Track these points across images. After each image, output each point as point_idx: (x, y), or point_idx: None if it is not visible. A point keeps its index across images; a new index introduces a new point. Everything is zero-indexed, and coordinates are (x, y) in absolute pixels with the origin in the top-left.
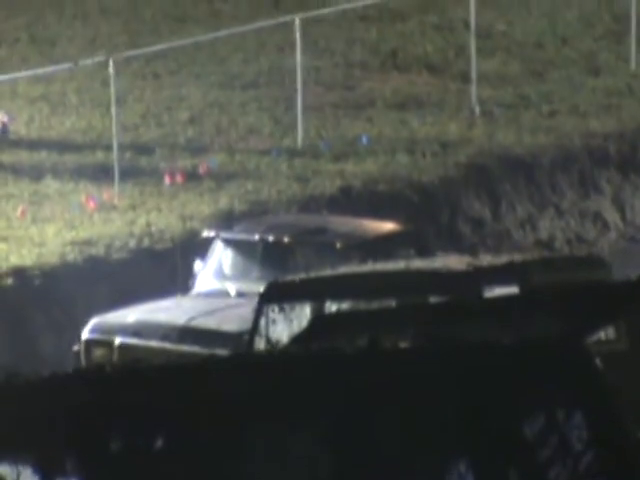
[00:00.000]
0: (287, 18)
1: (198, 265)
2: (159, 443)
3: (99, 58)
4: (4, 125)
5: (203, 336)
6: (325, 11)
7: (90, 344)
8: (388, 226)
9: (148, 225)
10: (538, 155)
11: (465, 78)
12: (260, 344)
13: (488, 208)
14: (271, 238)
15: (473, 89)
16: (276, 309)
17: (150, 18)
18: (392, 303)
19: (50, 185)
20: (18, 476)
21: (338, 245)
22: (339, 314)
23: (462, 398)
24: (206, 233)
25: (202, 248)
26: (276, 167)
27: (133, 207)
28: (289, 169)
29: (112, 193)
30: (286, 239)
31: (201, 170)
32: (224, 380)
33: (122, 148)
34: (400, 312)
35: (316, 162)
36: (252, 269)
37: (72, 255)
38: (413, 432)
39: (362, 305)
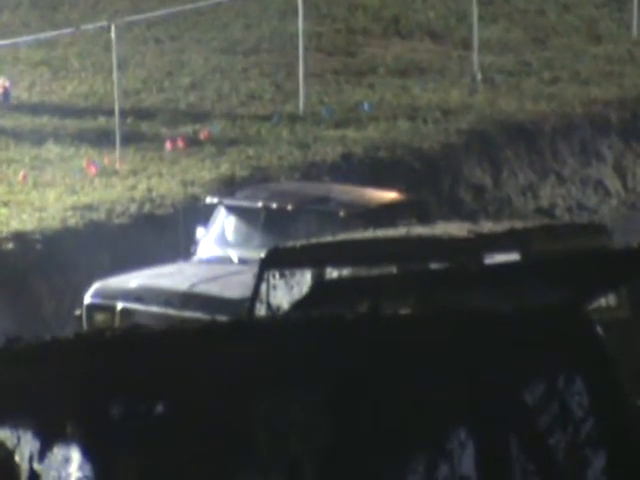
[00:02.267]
0: None
1: (200, 231)
2: (160, 409)
3: (101, 23)
4: (6, 90)
5: (205, 302)
6: None
7: (92, 309)
8: (391, 195)
9: (149, 190)
10: (539, 122)
11: (467, 45)
12: (261, 310)
13: (489, 175)
14: (274, 205)
15: (475, 56)
16: (277, 275)
17: None
18: (393, 269)
19: (51, 150)
20: (18, 440)
21: (341, 214)
22: (340, 280)
23: (462, 365)
24: (209, 199)
25: (203, 214)
26: (277, 133)
27: (134, 172)
28: (290, 135)
29: (113, 158)
30: (289, 207)
31: (202, 136)
32: (224, 346)
33: (123, 113)
34: (400, 278)
35: (317, 128)
36: (254, 236)
37: (73, 220)
38: (412, 399)
39: (363, 271)
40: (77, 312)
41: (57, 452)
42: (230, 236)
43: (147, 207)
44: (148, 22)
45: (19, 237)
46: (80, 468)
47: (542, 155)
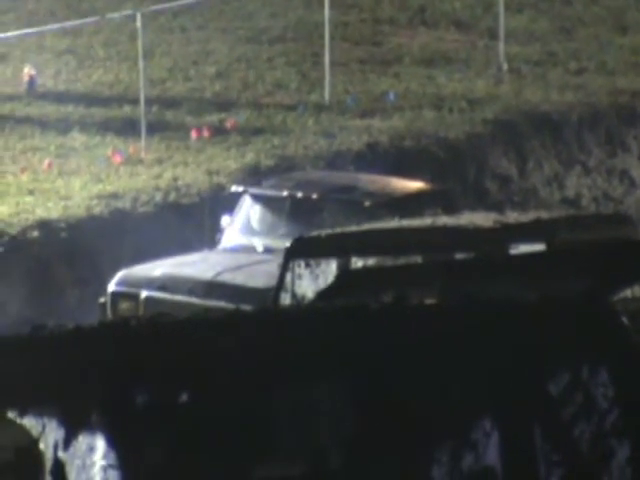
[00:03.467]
0: None
1: (225, 220)
2: (184, 398)
3: (126, 12)
4: (31, 78)
5: (229, 291)
6: None
7: (116, 296)
8: (416, 185)
9: (174, 179)
10: (565, 112)
11: (493, 35)
12: (286, 299)
13: (515, 165)
14: (300, 194)
15: (501, 46)
16: (302, 264)
17: None
18: (418, 259)
19: (77, 138)
20: (43, 428)
21: (366, 203)
22: (365, 270)
23: (487, 355)
24: (235, 188)
25: (228, 203)
26: (303, 122)
27: (159, 161)
28: (316, 124)
29: (138, 147)
30: (315, 196)
31: (228, 125)
32: (249, 335)
33: (149, 102)
34: (426, 268)
35: (343, 118)
36: (280, 225)
37: (98, 208)
38: (438, 390)
39: (388, 261)
40: (101, 300)
41: (82, 440)
42: (255, 225)
43: (172, 196)
44: (173, 11)
45: (44, 225)
46: (105, 456)
47: (568, 145)
